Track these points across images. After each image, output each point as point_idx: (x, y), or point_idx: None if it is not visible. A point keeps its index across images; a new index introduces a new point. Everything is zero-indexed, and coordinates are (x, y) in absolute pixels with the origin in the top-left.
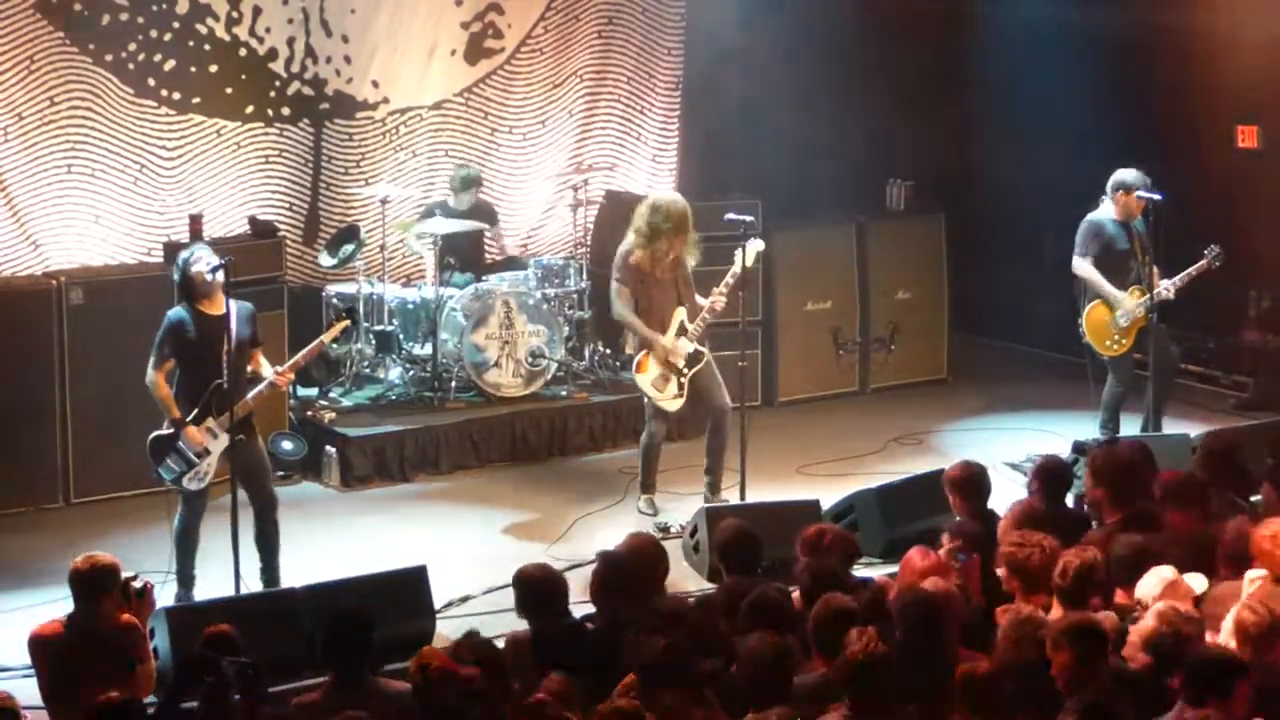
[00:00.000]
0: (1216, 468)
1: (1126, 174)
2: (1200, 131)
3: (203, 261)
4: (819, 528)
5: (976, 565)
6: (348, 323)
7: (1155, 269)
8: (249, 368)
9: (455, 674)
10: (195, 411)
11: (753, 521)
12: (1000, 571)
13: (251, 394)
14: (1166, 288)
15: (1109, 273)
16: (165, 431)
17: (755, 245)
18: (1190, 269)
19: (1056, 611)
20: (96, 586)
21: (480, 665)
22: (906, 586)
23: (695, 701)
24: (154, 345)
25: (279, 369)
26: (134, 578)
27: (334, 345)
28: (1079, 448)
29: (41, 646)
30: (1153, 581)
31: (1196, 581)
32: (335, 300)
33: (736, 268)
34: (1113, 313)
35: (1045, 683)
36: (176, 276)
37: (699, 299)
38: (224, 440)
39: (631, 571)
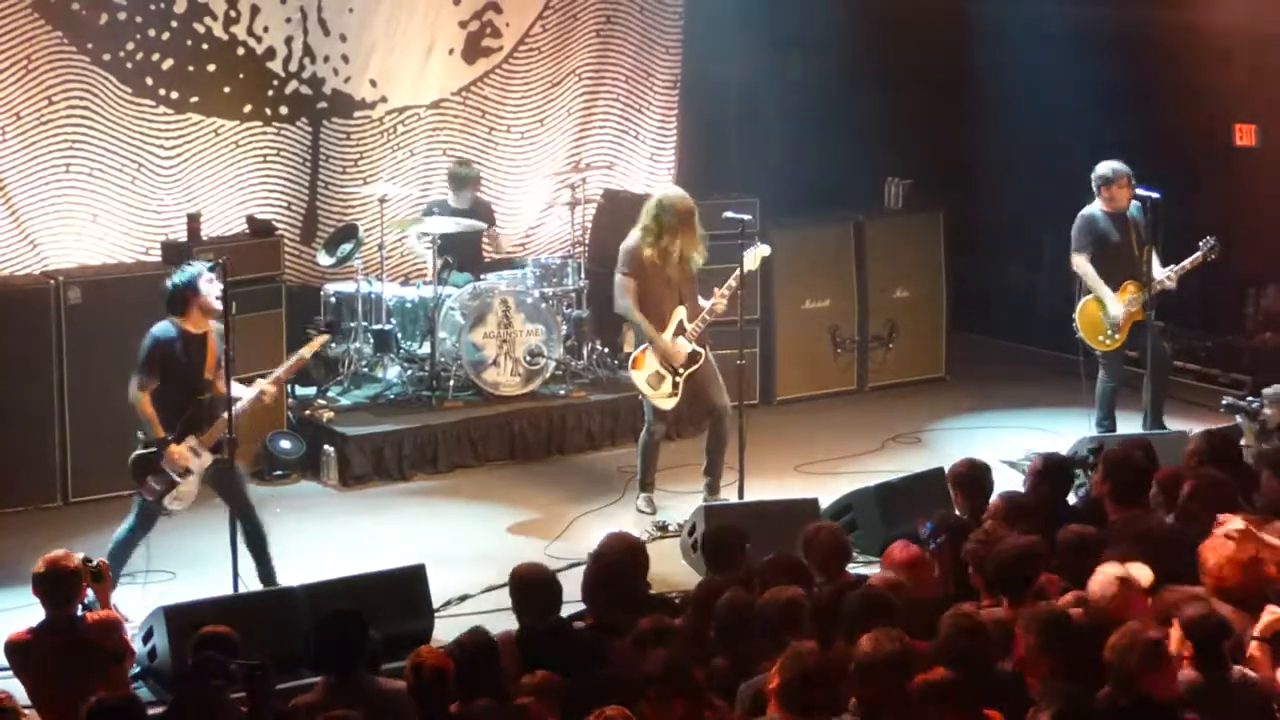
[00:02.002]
0: (1211, 463)
1: (1104, 167)
2: (1198, 130)
3: (216, 287)
4: (818, 525)
5: (946, 548)
6: (327, 337)
7: (1155, 257)
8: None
9: (449, 672)
10: (177, 431)
11: (751, 520)
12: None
13: (237, 408)
14: (1169, 276)
15: (1104, 267)
16: (147, 450)
17: (760, 250)
18: (1185, 261)
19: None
20: (64, 588)
21: (470, 661)
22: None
23: (703, 707)
24: (141, 362)
25: (262, 385)
26: (88, 559)
27: (330, 347)
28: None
29: (17, 654)
30: (1103, 579)
31: (1142, 572)
32: (320, 312)
33: (740, 271)
34: (1106, 308)
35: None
36: (179, 283)
37: (700, 300)
38: (206, 459)
39: (619, 570)
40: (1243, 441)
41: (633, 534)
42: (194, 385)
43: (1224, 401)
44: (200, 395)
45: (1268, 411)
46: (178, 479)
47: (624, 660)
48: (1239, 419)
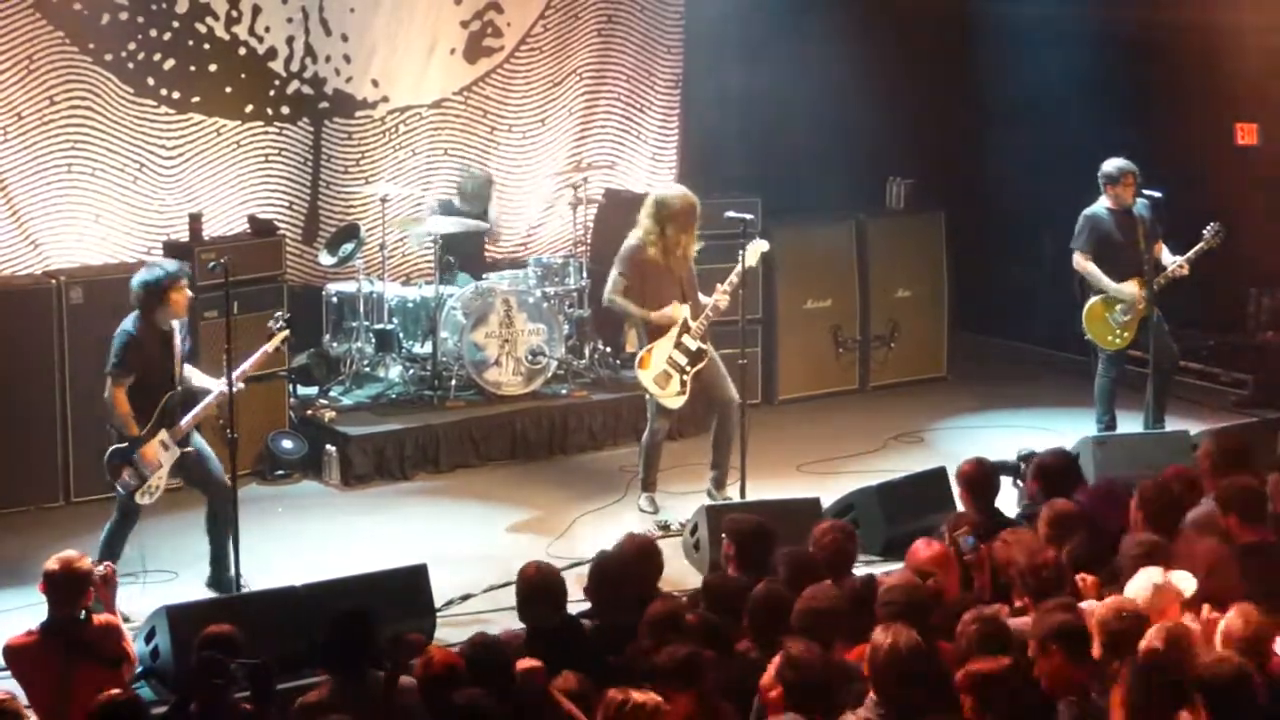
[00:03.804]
0: (1225, 466)
1: (1110, 164)
2: (1200, 129)
3: (186, 292)
4: (828, 524)
5: (986, 554)
6: (287, 332)
7: (1163, 249)
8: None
9: (459, 670)
10: (150, 426)
11: None
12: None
13: (200, 407)
14: (1179, 263)
15: (1109, 265)
16: (122, 445)
17: (759, 245)
18: (1191, 251)
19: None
20: (75, 588)
21: (482, 664)
22: (892, 581)
23: (710, 707)
24: (113, 361)
25: (223, 383)
26: (95, 563)
27: (338, 346)
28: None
29: (18, 657)
30: (1141, 582)
31: (1185, 582)
32: (279, 313)
33: (740, 267)
34: (1112, 308)
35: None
36: (151, 283)
37: (702, 297)
38: (175, 452)
39: (626, 572)
40: None
41: (647, 535)
42: (165, 380)
43: None
44: (171, 390)
45: None
46: (148, 474)
47: (635, 657)
48: None
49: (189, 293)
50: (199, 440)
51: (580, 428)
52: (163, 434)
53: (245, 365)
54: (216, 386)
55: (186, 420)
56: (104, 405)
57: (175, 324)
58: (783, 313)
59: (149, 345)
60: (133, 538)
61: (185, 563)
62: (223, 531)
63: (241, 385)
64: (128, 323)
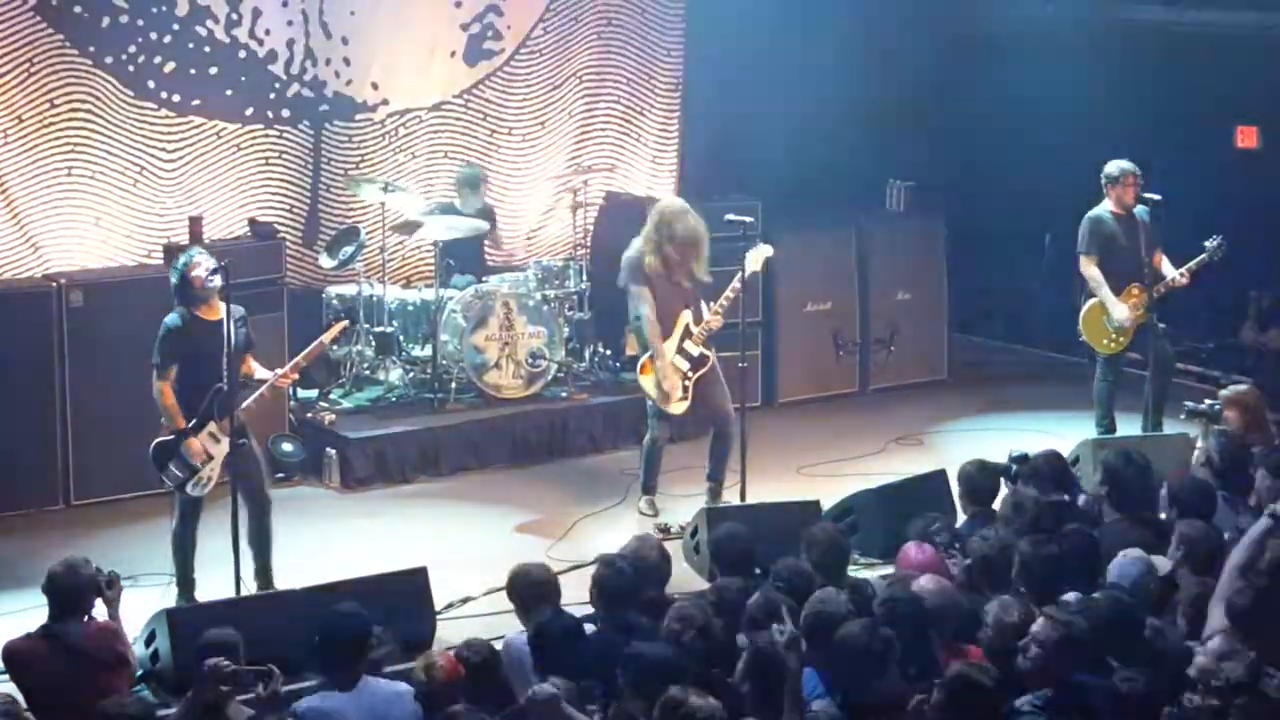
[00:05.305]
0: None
1: (1112, 166)
2: (1200, 132)
3: (201, 266)
4: (821, 526)
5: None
6: (346, 323)
7: (1164, 257)
8: (242, 371)
9: (460, 676)
10: (196, 419)
11: (753, 522)
12: None
13: (252, 397)
14: (1181, 273)
15: (1110, 268)
16: (168, 438)
17: (764, 250)
18: (1193, 262)
19: None
20: (77, 592)
21: (477, 667)
22: (893, 583)
23: None
24: (155, 354)
25: (280, 370)
26: (99, 569)
27: (334, 347)
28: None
29: (16, 661)
30: (1122, 563)
31: (1161, 564)
32: (335, 301)
33: (743, 273)
34: (1109, 312)
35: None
36: (175, 279)
37: (703, 306)
38: (225, 445)
39: (633, 576)
40: (1199, 444)
41: (656, 538)
42: (209, 370)
43: (1186, 406)
44: (218, 381)
45: (1228, 414)
46: (198, 466)
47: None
48: (1198, 423)
49: (207, 268)
50: (254, 444)
51: (580, 430)
52: (211, 426)
53: (298, 357)
54: (270, 376)
55: (235, 411)
56: (153, 400)
57: (227, 312)
58: (783, 315)
59: (192, 336)
60: (134, 541)
61: None
62: (265, 545)
63: (296, 376)
64: (167, 317)
